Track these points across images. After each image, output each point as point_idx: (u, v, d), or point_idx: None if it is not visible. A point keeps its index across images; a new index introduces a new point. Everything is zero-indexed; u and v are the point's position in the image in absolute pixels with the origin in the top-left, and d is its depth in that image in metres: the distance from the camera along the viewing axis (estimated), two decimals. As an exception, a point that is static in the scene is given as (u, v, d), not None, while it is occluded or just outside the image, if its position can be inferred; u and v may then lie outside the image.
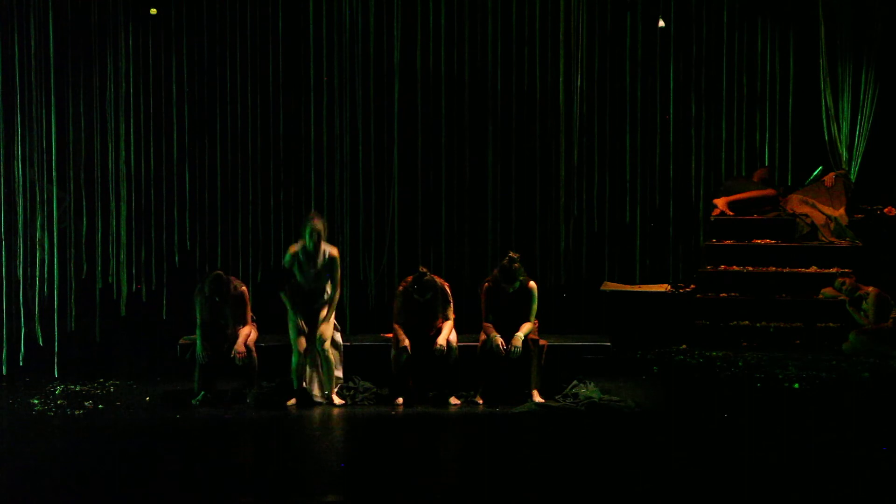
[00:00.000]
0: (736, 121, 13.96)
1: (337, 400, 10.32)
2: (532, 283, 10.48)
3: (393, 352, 10.39)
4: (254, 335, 10.45)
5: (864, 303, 12.08)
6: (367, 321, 12.30)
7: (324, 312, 10.31)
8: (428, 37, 13.67)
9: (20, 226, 12.25)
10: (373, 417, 9.92)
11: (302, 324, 10.31)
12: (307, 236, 10.29)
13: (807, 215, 13.33)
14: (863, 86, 13.68)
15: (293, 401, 10.30)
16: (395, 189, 13.59)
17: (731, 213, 13.48)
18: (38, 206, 12.35)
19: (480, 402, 10.32)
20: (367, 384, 10.61)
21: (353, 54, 13.53)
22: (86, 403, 10.12)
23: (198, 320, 10.34)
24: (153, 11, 13.40)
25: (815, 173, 13.76)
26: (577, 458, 8.49)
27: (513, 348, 10.23)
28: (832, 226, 13.23)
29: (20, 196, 12.23)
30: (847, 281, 12.27)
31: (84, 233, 13.09)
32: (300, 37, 13.57)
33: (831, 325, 12.41)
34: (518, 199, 13.75)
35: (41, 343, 12.04)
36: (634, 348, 11.99)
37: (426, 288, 10.31)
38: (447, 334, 10.32)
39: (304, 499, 7.38)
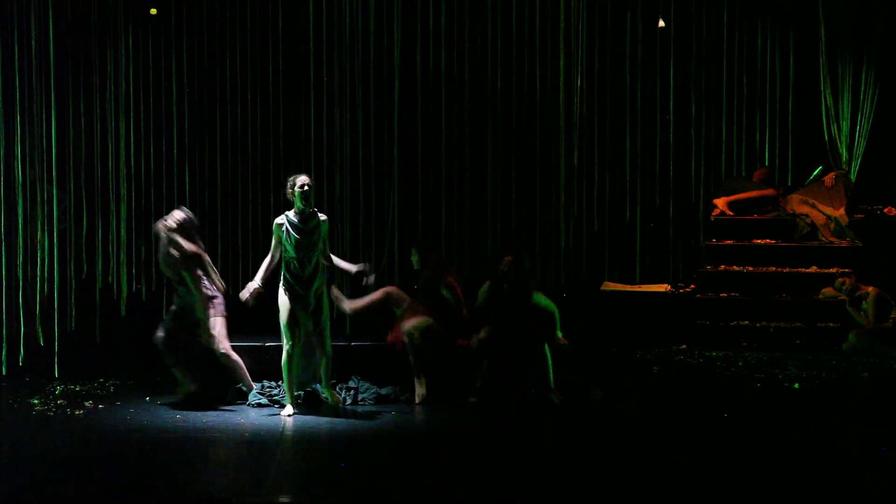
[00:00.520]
0: (736, 121, 13.97)
1: (337, 397, 10.25)
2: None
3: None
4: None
5: (864, 303, 12.08)
6: (368, 321, 12.26)
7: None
8: (428, 37, 13.69)
9: (20, 226, 12.25)
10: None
11: (296, 311, 9.81)
12: (298, 197, 9.78)
13: (807, 215, 13.33)
14: (863, 86, 13.69)
15: (289, 409, 9.85)
16: (395, 189, 13.59)
17: (731, 213, 13.48)
18: (38, 206, 12.35)
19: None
20: (368, 384, 10.61)
21: (353, 54, 13.55)
22: (86, 403, 10.12)
23: None
24: (153, 11, 13.41)
25: (815, 173, 13.76)
26: (577, 459, 8.50)
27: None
28: (832, 226, 13.23)
29: (20, 196, 12.23)
30: (847, 281, 12.27)
31: (84, 233, 13.10)
32: (300, 37, 13.59)
33: (831, 325, 12.40)
34: (518, 199, 13.76)
35: (41, 343, 12.04)
36: (634, 348, 11.99)
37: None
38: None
39: (304, 498, 7.39)
